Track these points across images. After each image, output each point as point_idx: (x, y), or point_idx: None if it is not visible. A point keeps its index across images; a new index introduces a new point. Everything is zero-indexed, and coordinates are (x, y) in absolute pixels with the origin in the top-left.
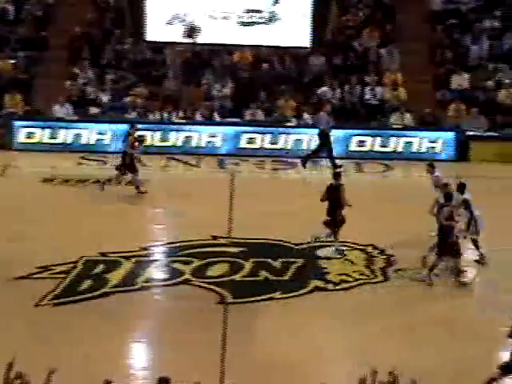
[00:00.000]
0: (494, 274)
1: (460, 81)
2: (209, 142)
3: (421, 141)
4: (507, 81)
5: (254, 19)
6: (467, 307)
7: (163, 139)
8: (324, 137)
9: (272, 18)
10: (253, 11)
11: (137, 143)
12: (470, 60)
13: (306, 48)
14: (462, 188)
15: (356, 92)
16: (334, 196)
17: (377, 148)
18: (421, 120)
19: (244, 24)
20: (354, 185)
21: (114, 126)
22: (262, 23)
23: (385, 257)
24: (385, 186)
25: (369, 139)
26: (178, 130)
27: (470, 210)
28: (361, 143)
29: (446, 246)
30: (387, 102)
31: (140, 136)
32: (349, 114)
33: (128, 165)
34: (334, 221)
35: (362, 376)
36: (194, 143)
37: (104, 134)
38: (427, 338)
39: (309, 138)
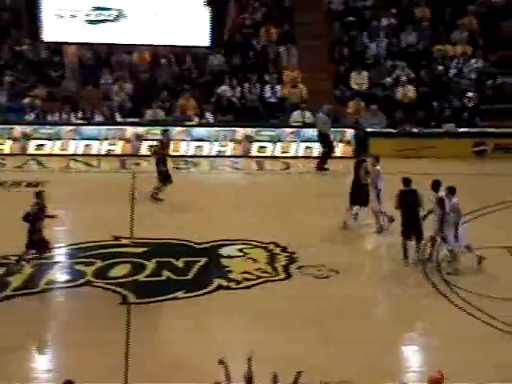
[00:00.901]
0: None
1: (359, 78)
2: (110, 143)
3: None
4: (405, 78)
5: (102, 17)
6: (365, 302)
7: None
8: (323, 137)
9: (119, 16)
10: (100, 9)
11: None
12: (368, 57)
13: (205, 47)
14: (437, 186)
15: (256, 90)
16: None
17: (278, 146)
18: None
19: (91, 22)
20: (255, 183)
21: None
22: (110, 21)
23: (287, 254)
24: (285, 184)
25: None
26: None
27: (443, 208)
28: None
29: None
30: (287, 100)
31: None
32: (249, 113)
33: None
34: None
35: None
36: (95, 145)
37: None
38: (330, 333)
39: (212, 137)
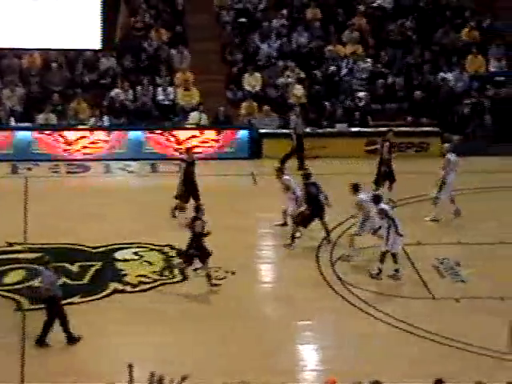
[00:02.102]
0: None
1: (251, 79)
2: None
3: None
4: (292, 79)
5: None
6: (262, 303)
7: None
8: (297, 139)
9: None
10: None
11: None
12: (260, 58)
13: (97, 50)
14: (356, 188)
15: (148, 93)
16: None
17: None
18: (214, 119)
19: None
20: (149, 186)
21: None
22: None
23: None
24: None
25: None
26: None
27: (390, 218)
28: (155, 144)
29: None
30: (180, 102)
31: None
32: (142, 116)
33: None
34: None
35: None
36: None
37: None
38: (228, 334)
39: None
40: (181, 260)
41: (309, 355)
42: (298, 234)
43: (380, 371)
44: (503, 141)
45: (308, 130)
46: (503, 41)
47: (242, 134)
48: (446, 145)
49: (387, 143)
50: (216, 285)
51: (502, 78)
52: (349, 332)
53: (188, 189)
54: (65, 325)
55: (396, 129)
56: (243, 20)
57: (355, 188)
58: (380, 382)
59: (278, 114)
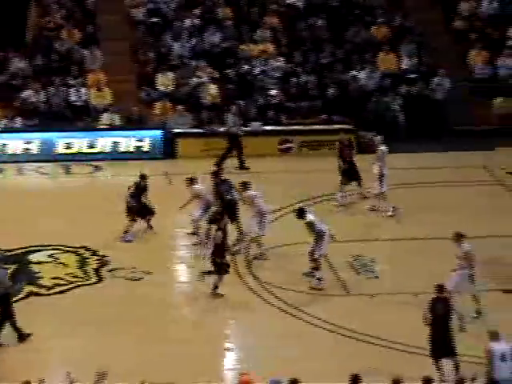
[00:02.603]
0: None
1: (164, 79)
2: None
3: (128, 140)
4: (206, 78)
5: None
6: (180, 303)
7: None
8: (232, 138)
9: None
10: None
11: None
12: (172, 58)
13: (7, 50)
14: (301, 214)
15: (61, 94)
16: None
17: (85, 149)
18: (127, 119)
19: None
20: (62, 187)
21: None
22: None
23: (98, 258)
24: (94, 188)
25: (76, 141)
26: None
27: (318, 231)
28: (68, 145)
29: None
30: (92, 102)
31: None
32: (55, 117)
33: None
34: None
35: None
36: None
37: None
38: (148, 335)
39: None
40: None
41: (228, 354)
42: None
43: (298, 370)
44: (414, 138)
45: (222, 129)
46: (414, 38)
47: (156, 134)
48: (378, 137)
49: (341, 144)
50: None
51: (414, 76)
52: (267, 331)
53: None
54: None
55: (309, 127)
56: (155, 20)
57: (243, 185)
58: (298, 380)
59: (192, 114)
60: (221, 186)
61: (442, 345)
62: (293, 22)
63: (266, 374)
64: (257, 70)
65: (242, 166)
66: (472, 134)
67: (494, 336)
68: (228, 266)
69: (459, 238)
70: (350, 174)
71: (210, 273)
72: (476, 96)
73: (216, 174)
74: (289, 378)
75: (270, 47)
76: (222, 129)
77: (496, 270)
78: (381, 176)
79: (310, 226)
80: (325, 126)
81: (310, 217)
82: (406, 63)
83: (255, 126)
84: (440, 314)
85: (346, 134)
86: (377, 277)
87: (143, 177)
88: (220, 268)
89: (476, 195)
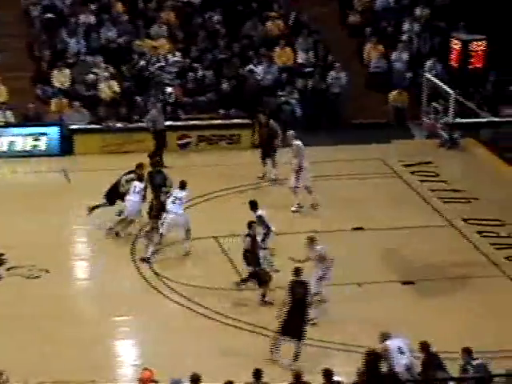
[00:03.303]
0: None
1: (60, 76)
2: None
3: (25, 138)
4: (106, 74)
5: None
6: (77, 301)
7: None
8: (157, 135)
9: None
10: None
11: None
12: (68, 55)
13: None
14: (254, 206)
15: None
16: None
17: None
18: (23, 117)
19: None
20: None
21: None
22: None
23: None
24: None
25: None
26: None
27: (266, 225)
28: None
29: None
30: None
31: None
32: None
33: None
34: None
35: None
36: None
37: None
38: (44, 334)
39: None
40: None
41: (127, 351)
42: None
43: (199, 364)
44: (311, 131)
45: (119, 125)
46: (310, 33)
47: (53, 130)
48: (290, 132)
49: (259, 123)
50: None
51: (310, 70)
52: (166, 326)
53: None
54: None
55: (207, 122)
56: (51, 16)
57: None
58: (198, 375)
59: (89, 110)
60: (155, 177)
61: (293, 326)
62: (189, 18)
63: (165, 369)
64: (153, 66)
65: (161, 164)
66: (368, 127)
67: (386, 336)
68: (267, 272)
69: (312, 241)
70: (265, 151)
71: (245, 281)
72: (372, 89)
73: (155, 165)
74: (189, 375)
75: (167, 43)
76: (145, 125)
77: (395, 262)
78: (298, 170)
79: (260, 219)
80: (222, 121)
81: (260, 212)
82: (302, 57)
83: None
84: (298, 297)
85: (264, 115)
86: (277, 270)
87: (140, 166)
88: (258, 277)
89: (373, 188)
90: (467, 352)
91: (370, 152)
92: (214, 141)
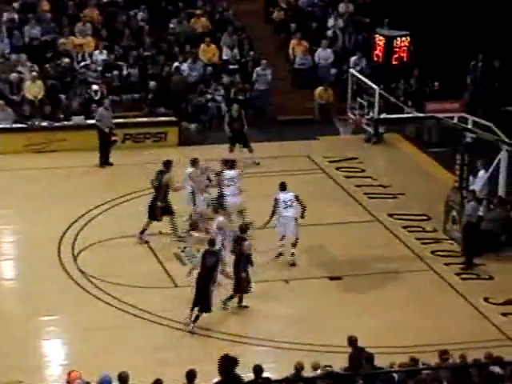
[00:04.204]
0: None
1: None
2: None
3: None
4: (31, 72)
5: None
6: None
7: None
8: (101, 133)
9: None
10: None
11: None
12: None
13: None
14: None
15: None
16: None
17: None
18: None
19: None
20: None
21: None
22: None
23: None
24: None
25: None
26: None
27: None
28: None
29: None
30: None
31: None
32: None
33: None
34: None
35: None
36: None
37: None
38: None
39: None
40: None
41: (54, 351)
42: None
43: (127, 362)
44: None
45: (44, 124)
46: (235, 29)
47: None
48: None
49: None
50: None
51: (236, 66)
52: (94, 325)
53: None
54: None
55: (134, 120)
56: None
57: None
58: (126, 374)
59: (13, 109)
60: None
61: (202, 296)
62: (113, 15)
63: (93, 368)
64: (78, 64)
65: (107, 162)
66: (294, 124)
67: (354, 341)
68: (249, 283)
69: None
70: (238, 140)
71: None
72: (297, 86)
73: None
74: (117, 373)
75: (92, 40)
76: (44, 123)
77: (322, 258)
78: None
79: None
80: (148, 119)
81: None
82: (227, 54)
83: (78, 120)
84: (209, 266)
85: (238, 106)
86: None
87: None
88: (239, 282)
89: (299, 184)
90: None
91: (295, 148)
92: (140, 139)
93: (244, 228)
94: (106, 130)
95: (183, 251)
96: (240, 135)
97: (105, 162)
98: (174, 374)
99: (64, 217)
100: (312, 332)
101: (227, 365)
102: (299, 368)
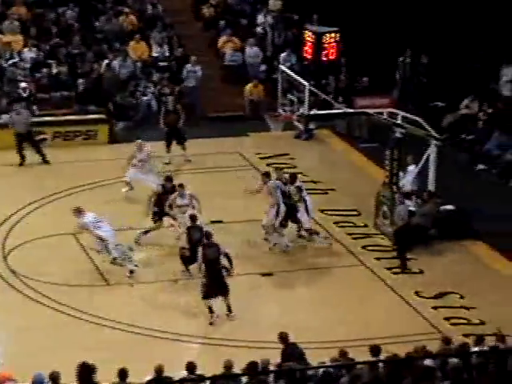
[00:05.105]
0: None
1: None
2: None
3: None
4: None
5: None
6: None
7: None
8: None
9: None
10: None
11: None
12: None
13: None
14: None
15: None
16: None
17: None
18: None
19: None
20: None
21: None
22: None
23: None
24: None
25: None
26: None
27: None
28: None
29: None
30: None
31: None
32: None
33: None
34: None
35: None
36: None
37: None
38: None
39: None
40: None
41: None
42: None
43: (59, 362)
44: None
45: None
46: (164, 26)
47: None
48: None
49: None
50: None
51: (165, 64)
52: (24, 324)
53: None
54: None
55: (63, 118)
56: None
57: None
58: (57, 373)
59: None
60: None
61: (216, 285)
62: (41, 12)
63: (24, 368)
64: (6, 62)
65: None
66: (224, 120)
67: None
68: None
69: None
70: (173, 136)
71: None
72: (227, 82)
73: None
74: (49, 373)
75: (19, 38)
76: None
77: (253, 254)
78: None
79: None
80: (78, 117)
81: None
82: (156, 51)
83: (6, 118)
84: (212, 258)
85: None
86: (136, 265)
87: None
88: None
89: (231, 181)
90: None
91: (226, 145)
92: (69, 137)
93: (193, 217)
94: (23, 132)
95: (113, 262)
96: (175, 131)
97: (43, 160)
98: (107, 373)
99: None
100: (244, 328)
101: (85, 372)
102: (229, 366)
